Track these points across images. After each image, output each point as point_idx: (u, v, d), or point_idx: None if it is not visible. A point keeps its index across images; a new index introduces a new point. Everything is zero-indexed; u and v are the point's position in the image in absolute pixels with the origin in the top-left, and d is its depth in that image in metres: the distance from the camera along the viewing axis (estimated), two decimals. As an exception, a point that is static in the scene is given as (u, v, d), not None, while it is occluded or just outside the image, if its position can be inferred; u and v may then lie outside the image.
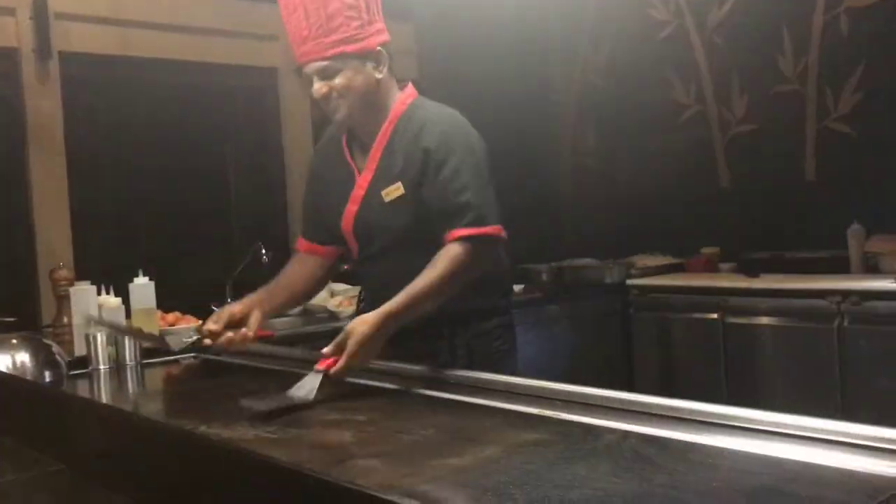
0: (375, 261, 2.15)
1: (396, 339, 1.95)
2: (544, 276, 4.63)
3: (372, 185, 2.08)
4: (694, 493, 1.05)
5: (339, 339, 1.78)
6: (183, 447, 1.17)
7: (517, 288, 4.38)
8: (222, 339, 1.99)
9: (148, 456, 1.23)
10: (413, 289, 1.88)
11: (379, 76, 2.03)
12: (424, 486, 1.11)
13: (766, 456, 1.17)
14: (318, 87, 2.01)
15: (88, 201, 3.82)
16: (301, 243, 2.33)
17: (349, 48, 1.97)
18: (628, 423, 1.36)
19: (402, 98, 2.10)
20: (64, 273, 2.57)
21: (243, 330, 2.01)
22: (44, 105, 3.65)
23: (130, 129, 4.05)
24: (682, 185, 4.83)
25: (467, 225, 1.93)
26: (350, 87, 2.00)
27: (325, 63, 1.98)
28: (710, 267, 4.58)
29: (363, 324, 1.79)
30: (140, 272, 2.56)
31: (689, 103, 4.88)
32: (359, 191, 2.11)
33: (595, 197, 5.33)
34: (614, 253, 4.85)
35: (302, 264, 2.30)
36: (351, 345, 1.75)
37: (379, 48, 2.02)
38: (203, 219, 4.24)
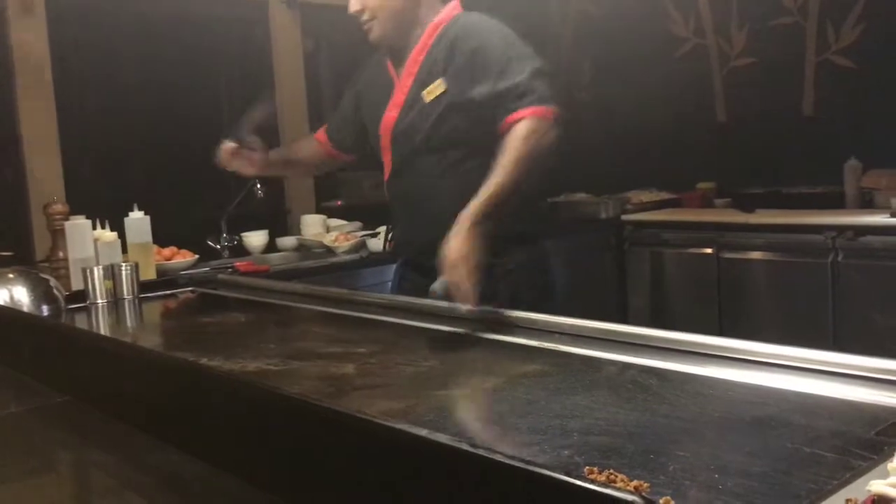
0: (408, 175, 2.12)
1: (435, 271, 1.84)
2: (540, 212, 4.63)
3: (413, 89, 2.07)
4: (696, 423, 1.07)
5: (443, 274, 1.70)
6: (186, 378, 1.17)
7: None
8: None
9: (152, 388, 1.24)
10: (494, 177, 1.81)
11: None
12: (429, 415, 1.12)
13: (766, 387, 1.18)
14: (353, 2, 2.04)
15: (79, 135, 3.77)
16: (320, 134, 2.45)
17: None
18: (628, 355, 1.38)
19: (447, 11, 2.09)
20: (59, 207, 2.54)
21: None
22: (29, 37, 3.57)
23: (119, 62, 3.98)
24: (679, 120, 4.79)
25: (529, 104, 1.89)
26: (382, 6, 2.01)
27: None
28: (706, 202, 4.58)
29: (452, 239, 1.71)
30: (135, 206, 2.55)
31: (688, 36, 4.81)
32: (399, 95, 2.10)
33: (591, 131, 5.29)
34: (610, 188, 4.83)
35: (312, 144, 2.48)
36: (448, 270, 1.68)
37: None
38: (196, 153, 4.19)
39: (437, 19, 2.07)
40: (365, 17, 2.04)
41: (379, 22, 2.03)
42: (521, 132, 1.87)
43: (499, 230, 1.87)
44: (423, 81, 2.05)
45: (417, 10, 2.05)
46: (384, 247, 2.56)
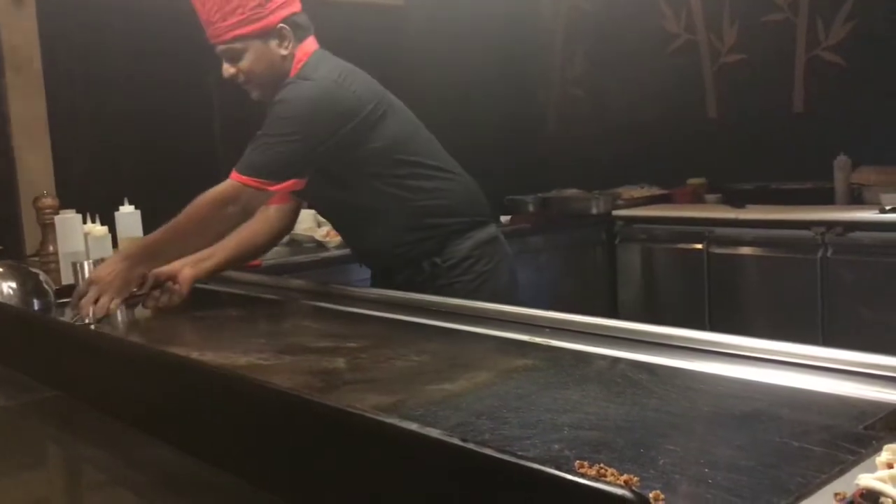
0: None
1: (383, 275, 2.13)
2: (530, 207, 4.63)
3: None
4: (685, 417, 1.07)
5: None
6: (177, 373, 1.17)
7: (504, 219, 4.38)
8: (148, 300, 2.03)
9: (142, 383, 1.24)
10: (164, 227, 1.99)
11: (284, 52, 2.03)
12: (420, 409, 1.13)
13: (755, 381, 1.19)
14: (226, 68, 2.06)
15: (69, 129, 3.75)
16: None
17: (247, 29, 1.98)
18: (618, 350, 1.38)
19: (298, 58, 2.07)
20: (49, 201, 2.54)
21: (173, 286, 2.03)
22: (19, 30, 3.55)
23: (110, 56, 3.96)
24: (670, 116, 4.80)
25: (239, 170, 1.97)
26: (253, 70, 2.02)
27: (226, 46, 2.01)
28: (696, 198, 4.59)
29: (105, 262, 1.94)
30: (125, 200, 2.54)
31: (679, 32, 4.82)
32: None
33: (582, 127, 5.30)
34: (600, 184, 4.84)
35: (266, 213, 2.28)
36: (96, 274, 1.89)
37: (281, 24, 2.00)
38: (187, 148, 4.18)
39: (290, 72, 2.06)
40: (240, 80, 2.06)
41: (254, 84, 2.06)
42: (214, 193, 1.97)
43: (425, 231, 2.09)
44: None
45: (284, 63, 2.04)
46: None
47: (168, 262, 2.02)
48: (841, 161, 3.95)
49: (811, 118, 4.30)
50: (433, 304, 1.78)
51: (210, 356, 1.48)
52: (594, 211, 4.54)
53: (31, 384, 1.49)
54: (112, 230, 2.49)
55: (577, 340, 1.45)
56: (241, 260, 2.28)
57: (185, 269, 2.04)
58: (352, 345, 1.53)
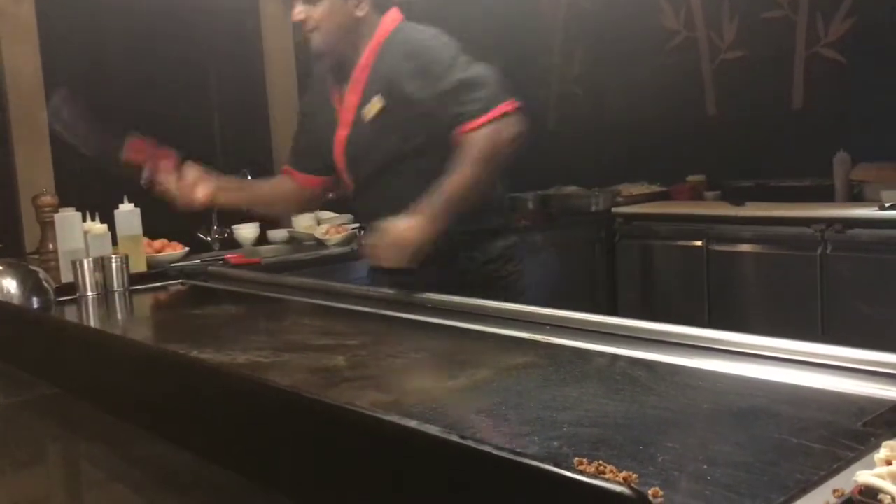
0: (367, 190, 2.14)
1: (413, 274, 1.95)
2: (530, 205, 4.63)
3: (358, 108, 2.08)
4: (684, 414, 1.07)
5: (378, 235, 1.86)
6: (176, 371, 1.17)
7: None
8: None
9: (142, 381, 1.24)
10: (453, 175, 1.87)
11: (359, 13, 2.04)
12: (419, 406, 1.13)
13: (754, 378, 1.19)
14: (297, 10, 2.04)
15: (69, 127, 3.74)
16: (285, 169, 2.35)
17: None
18: (617, 347, 1.38)
19: (386, 24, 2.08)
20: (48, 199, 2.53)
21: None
22: (19, 26, 3.55)
23: (110, 52, 3.96)
24: (669, 113, 4.79)
25: (474, 117, 1.90)
26: (324, 20, 2.01)
27: None
28: (696, 195, 4.59)
29: (397, 226, 1.84)
30: (125, 199, 2.54)
31: (679, 29, 4.81)
32: (347, 114, 2.11)
33: (581, 124, 5.30)
34: (600, 181, 4.84)
35: (280, 181, 2.34)
36: (384, 250, 1.86)
37: None
38: (185, 145, 4.17)
39: (377, 34, 2.06)
40: (308, 26, 2.04)
41: (321, 33, 2.04)
42: (472, 140, 1.89)
43: (472, 224, 2.01)
44: (365, 100, 2.06)
45: (360, 25, 2.05)
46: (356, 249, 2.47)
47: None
48: (840, 158, 3.95)
49: (811, 115, 4.30)
50: (432, 301, 1.78)
51: (209, 354, 1.48)
52: (594, 208, 4.54)
53: (30, 381, 1.50)
54: (112, 228, 2.49)
55: (577, 338, 1.45)
56: (252, 202, 2.37)
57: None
58: (351, 342, 1.53)
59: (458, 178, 1.87)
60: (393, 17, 2.09)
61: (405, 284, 1.94)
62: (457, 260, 2.08)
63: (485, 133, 1.89)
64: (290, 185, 2.31)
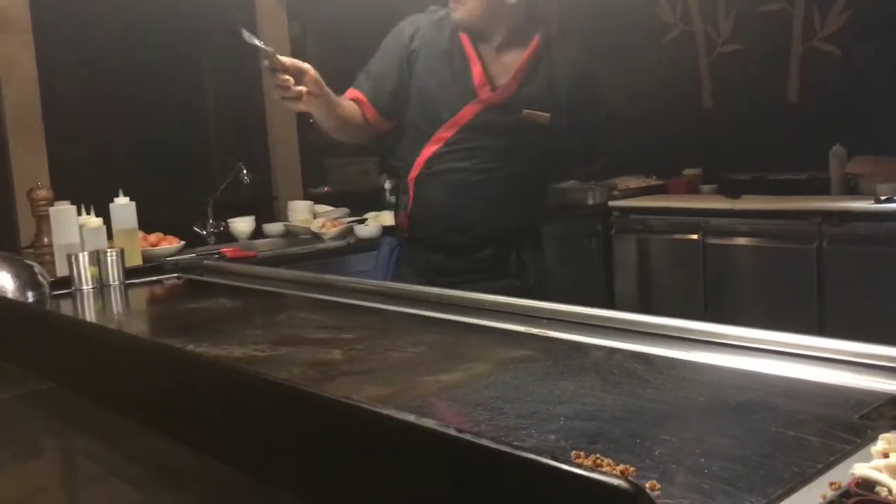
0: (470, 158, 2.18)
1: (471, 251, 2.19)
2: (527, 198, 4.63)
3: (512, 97, 2.17)
4: (681, 408, 1.07)
5: None
6: (172, 365, 1.17)
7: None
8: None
9: (138, 375, 1.24)
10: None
11: (511, 1, 2.12)
12: (416, 400, 1.13)
13: (751, 371, 1.19)
14: None
15: (63, 120, 3.73)
16: (352, 92, 2.26)
17: None
18: (614, 341, 1.38)
19: (548, 28, 2.22)
20: (43, 193, 2.52)
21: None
22: (13, 21, 3.53)
23: (105, 47, 3.95)
24: (666, 106, 4.80)
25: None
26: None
27: None
28: (692, 188, 4.59)
29: None
30: (120, 192, 2.53)
31: (675, 22, 4.81)
32: (492, 95, 2.17)
33: (578, 118, 5.29)
34: (597, 174, 4.83)
35: (350, 103, 2.24)
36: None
37: None
38: (182, 139, 4.17)
39: (546, 28, 2.21)
40: None
41: (466, 7, 2.12)
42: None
43: (536, 225, 2.29)
44: (523, 96, 2.16)
45: (503, 10, 2.13)
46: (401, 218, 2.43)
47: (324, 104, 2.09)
48: (836, 151, 3.96)
49: (807, 108, 4.30)
50: (429, 294, 1.78)
51: (206, 347, 1.47)
52: (590, 202, 4.54)
53: (25, 376, 1.49)
54: (107, 222, 2.48)
55: (574, 331, 1.45)
56: (336, 105, 2.20)
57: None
58: (348, 336, 1.53)
59: None
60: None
61: (451, 268, 2.18)
62: (513, 247, 2.24)
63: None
64: (356, 112, 2.24)
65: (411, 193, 2.23)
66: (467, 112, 2.16)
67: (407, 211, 2.26)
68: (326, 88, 2.07)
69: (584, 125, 2.21)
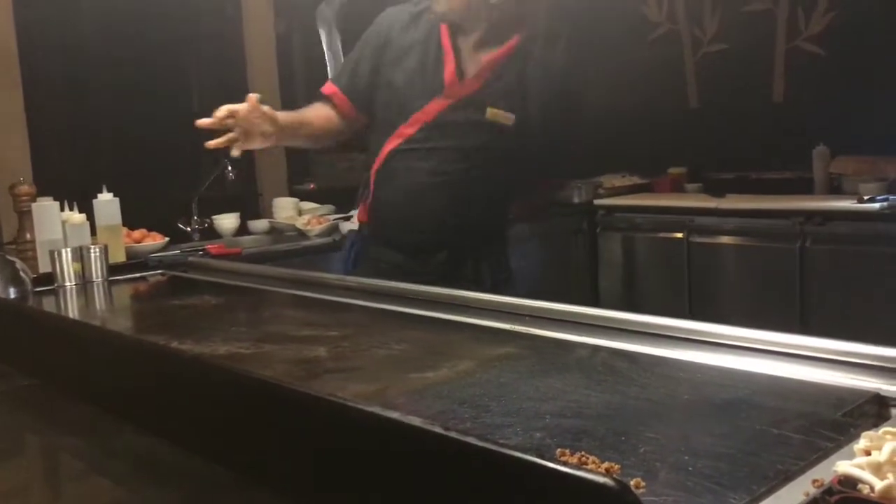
0: (433, 155, 2.12)
1: (426, 253, 2.12)
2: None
3: (478, 93, 2.09)
4: (665, 405, 1.08)
5: None
6: (156, 362, 1.16)
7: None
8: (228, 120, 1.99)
9: (121, 371, 1.23)
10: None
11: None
12: (401, 398, 1.13)
13: (733, 369, 1.19)
14: None
15: (46, 117, 3.71)
16: (329, 87, 2.25)
17: None
18: (598, 338, 1.38)
19: (526, 28, 2.14)
20: (25, 188, 2.50)
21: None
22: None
23: (87, 43, 3.92)
24: (651, 105, 4.81)
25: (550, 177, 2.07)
26: None
27: None
28: (677, 187, 4.61)
29: None
30: (104, 188, 2.51)
31: (661, 21, 4.82)
32: (459, 90, 2.10)
33: (563, 116, 5.30)
34: (582, 173, 4.84)
35: (319, 108, 2.23)
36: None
37: None
38: (166, 135, 4.15)
39: (526, 29, 2.14)
40: None
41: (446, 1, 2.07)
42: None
43: (497, 233, 2.21)
44: (490, 94, 2.08)
45: (485, 7, 2.08)
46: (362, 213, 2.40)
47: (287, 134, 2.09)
48: (819, 151, 3.98)
49: (791, 108, 4.33)
50: (413, 292, 1.78)
51: (190, 345, 1.47)
52: (576, 200, 4.55)
53: (8, 372, 1.48)
54: (90, 217, 2.46)
55: (559, 329, 1.46)
56: (300, 129, 2.21)
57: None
58: (333, 333, 1.53)
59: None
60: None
61: (407, 268, 2.08)
62: (476, 251, 2.18)
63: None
64: (330, 112, 2.22)
65: (371, 187, 2.19)
66: (432, 108, 2.10)
67: (366, 204, 2.22)
68: (282, 116, 2.06)
69: (550, 134, 2.13)
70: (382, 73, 2.17)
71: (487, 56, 2.11)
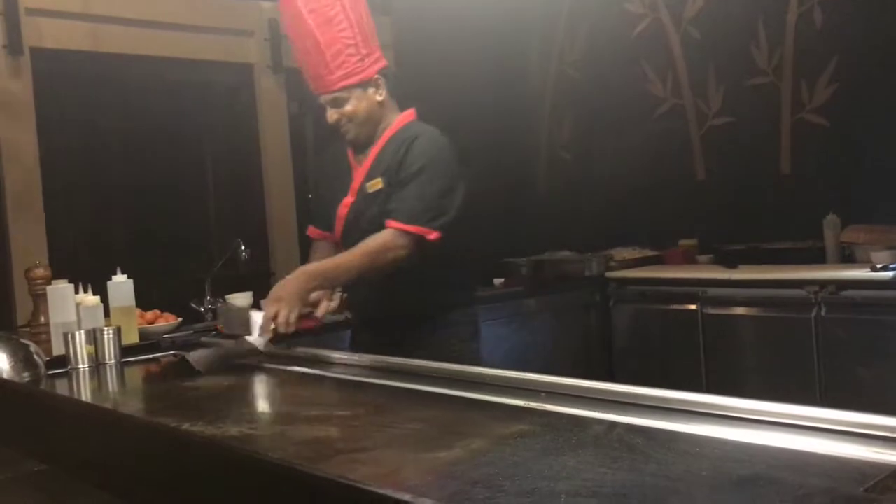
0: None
1: (370, 325, 2.43)
2: (523, 270, 4.64)
3: (365, 179, 2.39)
4: (683, 482, 1.05)
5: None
6: (168, 444, 1.15)
7: (497, 282, 4.39)
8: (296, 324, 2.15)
9: (133, 454, 1.22)
10: (338, 257, 2.28)
11: (380, 98, 2.37)
12: (414, 479, 1.11)
13: (752, 444, 1.17)
14: (331, 114, 2.37)
15: (63, 199, 3.77)
16: (311, 230, 2.63)
17: (352, 80, 2.32)
18: (614, 414, 1.36)
19: (403, 117, 2.42)
20: (40, 272, 2.53)
21: (323, 304, 2.19)
22: (15, 102, 3.59)
23: (105, 127, 4.01)
24: (659, 178, 4.85)
25: (402, 220, 2.21)
26: (356, 113, 2.35)
27: (333, 95, 2.34)
28: (689, 259, 4.61)
29: (283, 280, 2.18)
30: (118, 270, 2.53)
31: (665, 96, 4.90)
32: (354, 183, 2.42)
33: (572, 190, 5.35)
34: (593, 246, 4.86)
35: (323, 248, 2.56)
36: (274, 292, 2.13)
37: (377, 75, 2.35)
38: (180, 216, 4.20)
39: (395, 122, 2.40)
40: (342, 122, 2.36)
41: (354, 125, 2.36)
42: (380, 236, 2.20)
43: (427, 298, 2.35)
44: (370, 176, 2.37)
45: (380, 112, 2.38)
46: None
47: (334, 287, 2.25)
48: (830, 220, 3.98)
49: (799, 179, 4.35)
50: (426, 369, 1.77)
51: (202, 426, 1.45)
52: (587, 273, 4.55)
53: (18, 458, 1.47)
54: (104, 299, 2.48)
55: (573, 405, 1.44)
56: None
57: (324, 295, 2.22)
58: (345, 413, 1.51)
59: (348, 259, 2.22)
60: (407, 114, 2.44)
61: (383, 345, 2.25)
62: (411, 325, 2.36)
63: (392, 236, 2.19)
64: (329, 245, 2.53)
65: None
66: (344, 205, 2.42)
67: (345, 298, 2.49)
68: (326, 283, 2.22)
69: (403, 183, 2.27)
70: (324, 196, 2.55)
71: (370, 152, 2.41)
